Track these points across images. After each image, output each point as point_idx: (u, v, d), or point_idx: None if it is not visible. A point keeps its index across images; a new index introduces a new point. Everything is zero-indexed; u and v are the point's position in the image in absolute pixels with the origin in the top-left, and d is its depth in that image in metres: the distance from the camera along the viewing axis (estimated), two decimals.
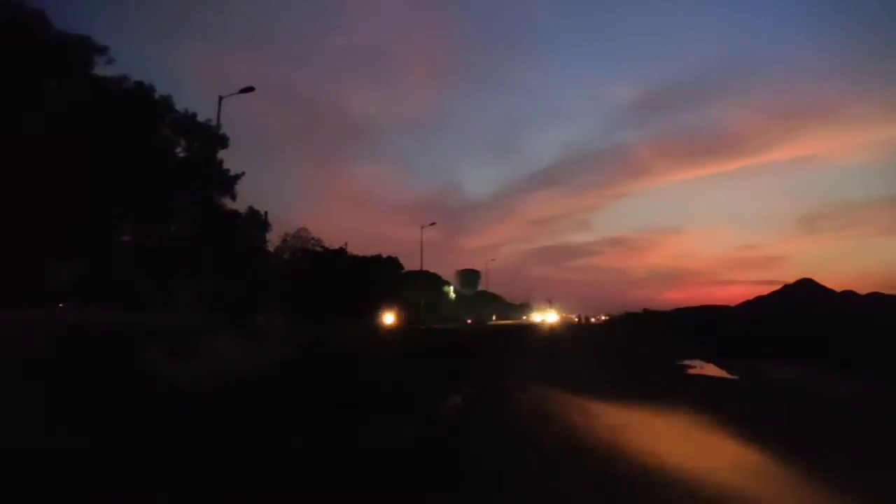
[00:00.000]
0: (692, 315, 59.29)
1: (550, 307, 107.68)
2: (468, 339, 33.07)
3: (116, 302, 22.75)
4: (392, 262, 54.61)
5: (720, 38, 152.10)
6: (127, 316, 20.04)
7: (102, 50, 23.44)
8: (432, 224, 58.93)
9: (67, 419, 6.64)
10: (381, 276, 47.00)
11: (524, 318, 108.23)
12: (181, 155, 27.19)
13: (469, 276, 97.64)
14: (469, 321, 71.96)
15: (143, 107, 24.49)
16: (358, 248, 48.54)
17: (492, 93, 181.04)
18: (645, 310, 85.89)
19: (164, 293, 26.25)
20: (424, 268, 57.35)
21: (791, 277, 64.94)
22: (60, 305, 22.37)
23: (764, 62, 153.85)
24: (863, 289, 53.86)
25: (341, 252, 42.91)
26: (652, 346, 32.67)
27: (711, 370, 21.26)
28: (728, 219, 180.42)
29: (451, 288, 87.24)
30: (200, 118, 26.92)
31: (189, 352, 11.92)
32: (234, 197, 28.95)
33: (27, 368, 8.56)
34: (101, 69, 23.73)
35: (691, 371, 20.74)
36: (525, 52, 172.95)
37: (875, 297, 48.82)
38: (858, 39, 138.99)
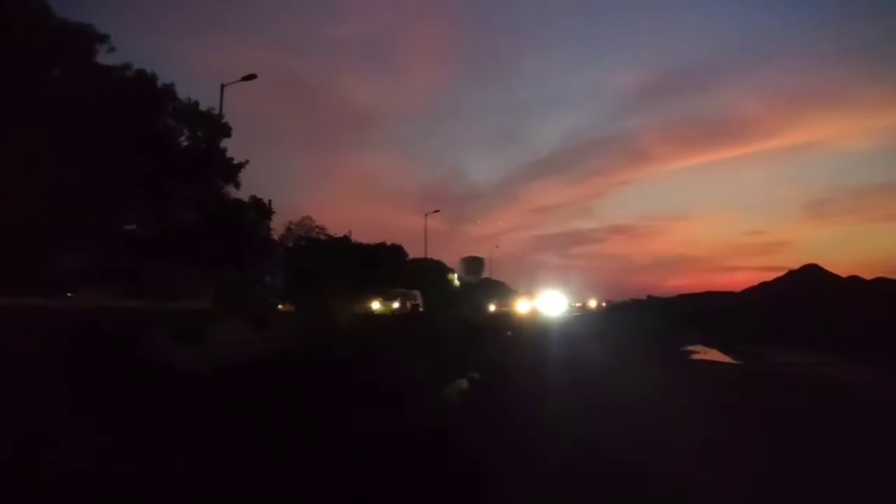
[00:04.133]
0: (696, 302, 59.26)
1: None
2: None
3: (123, 290, 22.95)
4: (396, 250, 54.66)
5: (724, 24, 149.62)
6: (133, 303, 20.22)
7: (104, 38, 23.43)
8: (436, 212, 58.66)
9: (79, 405, 6.75)
10: (386, 263, 47.09)
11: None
12: (184, 143, 27.25)
13: (473, 264, 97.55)
14: None
15: (145, 95, 24.49)
16: (362, 236, 48.58)
17: (495, 81, 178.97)
18: (649, 297, 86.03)
19: (170, 280, 26.43)
20: (429, 255, 57.36)
21: (796, 263, 64.61)
22: (69, 294, 22.59)
23: (768, 48, 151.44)
24: (868, 274, 53.54)
25: (346, 240, 43.06)
26: (655, 332, 32.72)
27: (714, 355, 21.34)
28: (732, 205, 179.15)
29: (455, 275, 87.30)
30: (203, 107, 26.95)
31: (195, 338, 12.03)
32: (237, 185, 29.06)
33: (37, 355, 8.69)
34: (103, 58, 23.73)
35: (694, 357, 20.82)
36: (529, 40, 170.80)
37: (881, 281, 48.56)
38: (864, 25, 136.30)
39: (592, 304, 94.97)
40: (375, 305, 35.55)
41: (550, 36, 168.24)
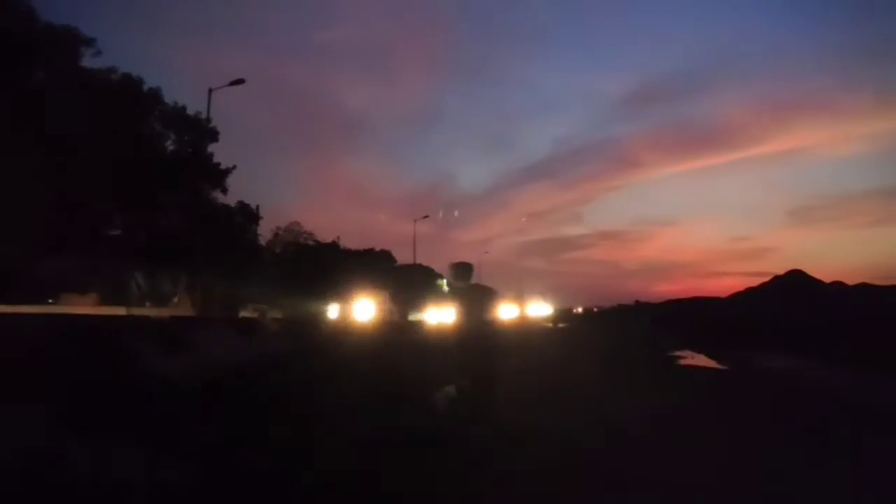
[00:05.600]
0: (684, 307, 59.84)
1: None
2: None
3: (106, 296, 22.62)
4: (385, 256, 54.49)
5: (712, 31, 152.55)
6: (117, 310, 19.94)
7: (90, 41, 23.19)
8: (425, 217, 58.28)
9: (61, 414, 6.60)
10: (375, 269, 46.92)
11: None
12: (171, 148, 26.99)
13: (462, 270, 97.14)
14: None
15: (131, 99, 24.25)
16: (351, 242, 48.32)
17: (484, 86, 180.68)
18: (637, 302, 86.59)
19: (155, 287, 26.10)
20: (417, 261, 57.19)
21: (781, 269, 65.77)
22: (50, 301, 22.21)
23: (755, 55, 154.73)
24: (852, 279, 54.62)
25: (334, 245, 42.84)
26: (643, 337, 32.91)
27: (702, 360, 21.48)
28: (719, 211, 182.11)
29: (445, 281, 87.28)
30: (190, 111, 26.73)
31: (181, 345, 11.89)
32: (224, 191, 28.86)
33: (18, 364, 8.51)
34: (89, 61, 23.48)
35: (682, 362, 20.94)
36: (518, 46, 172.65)
37: (863, 287, 49.49)
38: (849, 33, 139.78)
39: (579, 309, 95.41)
40: None
41: (541, 42, 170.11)
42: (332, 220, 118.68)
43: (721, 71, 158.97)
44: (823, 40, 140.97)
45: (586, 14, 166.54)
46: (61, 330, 12.02)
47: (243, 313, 31.94)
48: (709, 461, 6.02)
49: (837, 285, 52.55)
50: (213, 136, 27.25)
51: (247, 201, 31.98)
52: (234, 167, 28.74)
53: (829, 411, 9.88)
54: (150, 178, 23.98)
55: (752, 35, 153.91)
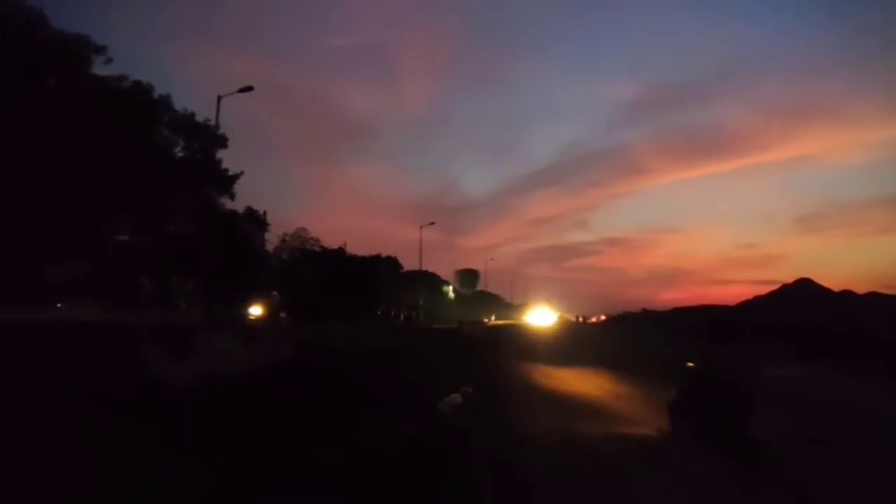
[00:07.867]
0: (691, 315, 59.23)
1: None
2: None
3: (115, 301, 22.73)
4: (391, 262, 54.51)
5: (719, 38, 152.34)
6: (126, 315, 20.02)
7: (101, 49, 23.46)
8: (431, 224, 58.35)
9: (68, 418, 6.63)
10: (380, 275, 46.94)
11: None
12: (180, 154, 27.18)
13: (468, 276, 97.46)
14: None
15: (141, 106, 24.47)
16: (357, 248, 48.50)
17: (490, 92, 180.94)
18: (644, 310, 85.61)
19: (163, 292, 26.23)
20: (423, 267, 57.20)
21: (789, 277, 65.06)
22: (59, 305, 22.34)
23: (762, 62, 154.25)
24: (861, 288, 53.87)
25: (340, 252, 42.88)
26: (650, 346, 32.62)
27: None
28: (726, 219, 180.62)
29: (451, 288, 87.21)
30: (199, 118, 26.91)
31: (187, 350, 11.90)
32: (232, 196, 28.96)
33: (26, 367, 8.56)
34: (100, 68, 23.74)
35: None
36: (524, 52, 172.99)
37: (873, 296, 48.94)
38: (857, 40, 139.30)
39: (580, 318, 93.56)
40: None
41: (547, 48, 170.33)
42: (338, 225, 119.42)
43: (728, 77, 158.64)
44: (832, 47, 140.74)
45: (593, 21, 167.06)
46: (70, 334, 12.08)
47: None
48: None
49: (846, 294, 51.89)
50: (222, 142, 27.39)
51: (254, 207, 32.17)
52: (242, 173, 28.90)
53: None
54: (159, 183, 24.14)
55: (760, 42, 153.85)
